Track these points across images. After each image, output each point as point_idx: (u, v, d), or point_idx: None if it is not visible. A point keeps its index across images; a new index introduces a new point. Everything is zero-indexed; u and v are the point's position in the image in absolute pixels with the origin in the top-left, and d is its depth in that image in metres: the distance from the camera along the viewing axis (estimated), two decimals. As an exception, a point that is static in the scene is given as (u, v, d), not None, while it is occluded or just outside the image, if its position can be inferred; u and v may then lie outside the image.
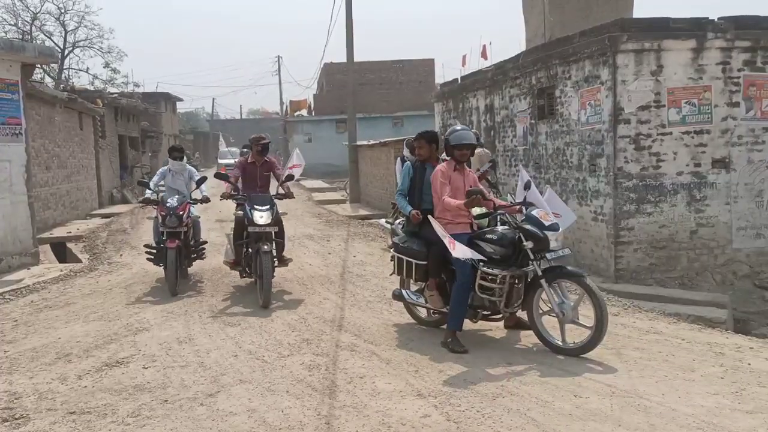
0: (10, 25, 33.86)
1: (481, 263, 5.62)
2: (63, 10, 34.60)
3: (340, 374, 5.16)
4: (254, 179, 8.50)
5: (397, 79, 39.76)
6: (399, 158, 10.46)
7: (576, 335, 5.55)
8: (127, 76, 46.74)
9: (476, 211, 6.04)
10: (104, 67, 37.57)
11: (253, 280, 8.15)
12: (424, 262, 6.05)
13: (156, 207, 8.79)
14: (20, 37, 31.91)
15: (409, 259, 6.14)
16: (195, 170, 9.74)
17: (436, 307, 6.13)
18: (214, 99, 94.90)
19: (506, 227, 5.75)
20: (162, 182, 9.25)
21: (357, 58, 22.40)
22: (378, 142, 19.17)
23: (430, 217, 5.84)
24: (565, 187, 10.75)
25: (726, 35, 9.38)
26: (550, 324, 5.68)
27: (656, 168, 9.42)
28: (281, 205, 8.41)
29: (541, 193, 6.70)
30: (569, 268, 5.63)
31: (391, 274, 6.78)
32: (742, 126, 9.56)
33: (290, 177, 8.61)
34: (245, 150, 16.55)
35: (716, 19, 9.50)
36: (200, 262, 9.45)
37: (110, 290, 8.80)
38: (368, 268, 9.87)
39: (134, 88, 37.31)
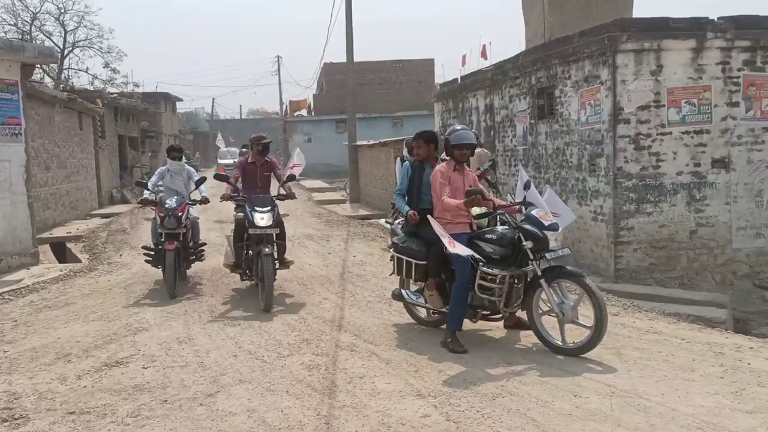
0: (9, 25, 33.94)
1: (480, 263, 5.61)
2: (62, 10, 34.66)
3: (340, 374, 5.16)
4: (254, 180, 8.35)
5: (397, 79, 39.76)
6: (398, 158, 10.45)
7: (576, 335, 5.55)
8: (127, 76, 46.92)
9: (476, 210, 6.04)
10: (104, 67, 37.66)
11: (253, 282, 8.03)
12: (424, 262, 6.05)
13: (154, 208, 8.65)
14: (20, 37, 31.91)
15: (409, 259, 6.13)
16: (194, 170, 9.62)
17: (436, 307, 6.13)
18: (213, 99, 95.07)
19: (506, 227, 5.76)
20: (160, 183, 9.11)
21: (357, 59, 22.42)
22: (378, 142, 19.17)
23: (429, 216, 5.83)
24: (565, 187, 10.75)
25: (726, 35, 9.38)
26: (549, 324, 5.68)
27: (656, 168, 9.42)
28: (282, 206, 8.28)
29: (541, 193, 6.70)
30: (569, 267, 5.63)
31: (390, 274, 6.77)
32: (741, 126, 9.56)
33: (292, 177, 8.45)
34: (244, 150, 16.54)
35: (716, 19, 9.50)
36: (199, 263, 9.40)
37: (110, 290, 8.80)
38: (368, 268, 9.87)
39: (134, 88, 37.34)
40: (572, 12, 14.42)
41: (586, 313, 5.53)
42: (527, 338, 5.95)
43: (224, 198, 8.13)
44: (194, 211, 9.14)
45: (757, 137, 9.63)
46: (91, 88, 29.03)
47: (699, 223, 9.53)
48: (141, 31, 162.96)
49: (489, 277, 5.58)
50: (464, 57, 41.13)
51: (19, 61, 10.53)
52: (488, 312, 5.89)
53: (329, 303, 7.69)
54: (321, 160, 33.46)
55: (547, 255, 5.54)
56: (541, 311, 5.69)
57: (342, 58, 23.45)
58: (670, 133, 9.41)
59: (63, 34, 35.06)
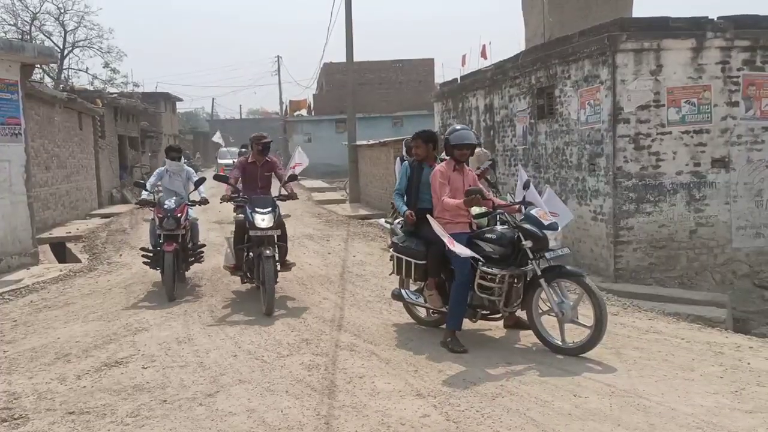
0: (9, 25, 33.91)
1: (480, 263, 5.61)
2: (62, 10, 34.63)
3: (340, 374, 5.16)
4: (255, 180, 8.19)
5: (397, 78, 39.75)
6: (398, 158, 10.45)
7: (575, 335, 5.55)
8: (127, 76, 46.94)
9: (475, 210, 6.03)
10: (104, 67, 37.64)
11: (254, 285, 7.91)
12: (424, 262, 6.05)
13: (153, 209, 8.54)
14: (20, 37, 31.90)
15: (409, 259, 6.13)
16: (193, 171, 9.49)
17: (436, 306, 6.12)
18: (213, 99, 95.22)
19: (505, 227, 5.75)
20: (159, 183, 8.97)
21: (357, 58, 22.42)
22: (377, 141, 19.17)
23: (429, 216, 5.83)
24: (565, 186, 10.75)
25: (725, 35, 9.39)
26: (549, 323, 5.68)
27: (656, 167, 9.42)
28: (283, 207, 8.13)
29: (540, 192, 6.70)
30: (568, 267, 5.63)
31: (390, 274, 6.77)
32: (741, 125, 9.56)
33: (293, 177, 8.31)
34: (243, 150, 16.49)
35: (715, 19, 9.51)
36: (198, 264, 9.32)
37: (109, 290, 8.79)
38: (368, 267, 9.86)
39: (134, 88, 37.32)
40: (572, 12, 14.43)
41: (586, 313, 5.52)
42: (527, 338, 5.95)
43: (224, 199, 7.99)
44: (193, 212, 9.01)
45: (756, 137, 9.63)
46: (91, 88, 29.03)
47: (699, 223, 9.53)
48: (141, 31, 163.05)
49: (489, 276, 5.58)
50: (464, 57, 41.21)
51: (18, 61, 10.53)
52: (488, 312, 5.89)
53: (329, 303, 7.69)
54: (321, 160, 33.41)
55: (547, 254, 5.54)
56: (540, 311, 5.69)
57: (342, 58, 23.46)
58: (670, 132, 9.41)
59: (63, 34, 35.09)
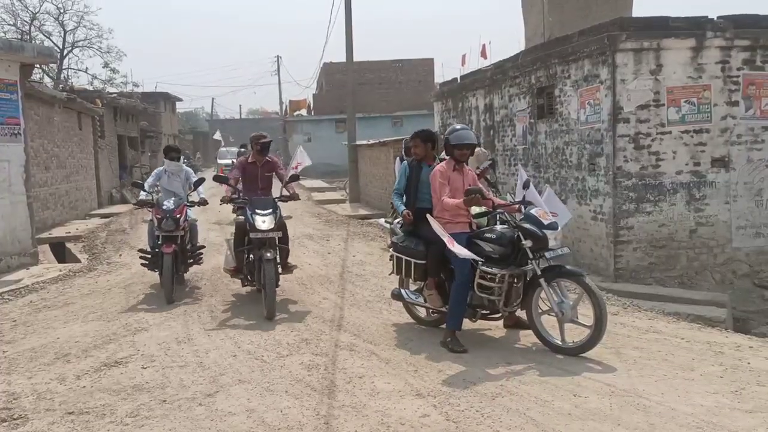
0: (9, 25, 33.86)
1: (480, 262, 5.61)
2: (62, 10, 34.58)
3: (339, 374, 5.16)
4: (255, 180, 8.03)
5: (397, 78, 39.76)
6: (398, 158, 10.47)
7: (575, 334, 5.54)
8: (126, 76, 46.71)
9: (475, 210, 6.03)
10: (103, 67, 37.55)
11: (255, 288, 7.77)
12: (423, 262, 6.04)
13: (151, 209, 8.43)
14: (19, 37, 31.86)
15: (408, 259, 6.13)
16: (192, 171, 9.38)
17: (435, 306, 6.12)
18: (213, 99, 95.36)
19: (505, 226, 5.75)
20: (158, 184, 8.85)
21: (356, 58, 22.41)
22: (377, 141, 19.16)
23: (429, 216, 5.83)
24: (565, 186, 10.74)
25: (725, 34, 9.38)
26: (549, 323, 5.67)
27: (655, 167, 9.42)
28: (284, 208, 8.00)
29: (540, 192, 6.70)
30: (568, 267, 5.62)
31: (390, 274, 6.77)
32: (741, 125, 9.56)
33: (295, 177, 8.16)
34: (243, 150, 16.47)
35: (715, 18, 9.50)
36: (197, 266, 9.24)
37: (109, 290, 8.79)
38: (368, 267, 9.86)
39: (133, 88, 37.27)
40: (572, 11, 14.43)
41: (586, 313, 5.52)
42: (527, 338, 5.95)
43: (224, 201, 7.89)
44: (192, 213, 8.91)
45: (756, 136, 9.62)
46: (91, 88, 29.02)
47: (699, 223, 9.53)
48: (140, 31, 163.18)
49: (488, 276, 5.58)
50: (464, 56, 41.14)
51: (18, 61, 10.52)
52: (488, 311, 5.88)
53: (329, 303, 7.68)
54: (321, 160, 33.37)
55: (547, 254, 5.53)
56: (540, 310, 5.69)
57: (341, 57, 23.47)
58: (670, 132, 9.41)
59: (62, 34, 35.04)
